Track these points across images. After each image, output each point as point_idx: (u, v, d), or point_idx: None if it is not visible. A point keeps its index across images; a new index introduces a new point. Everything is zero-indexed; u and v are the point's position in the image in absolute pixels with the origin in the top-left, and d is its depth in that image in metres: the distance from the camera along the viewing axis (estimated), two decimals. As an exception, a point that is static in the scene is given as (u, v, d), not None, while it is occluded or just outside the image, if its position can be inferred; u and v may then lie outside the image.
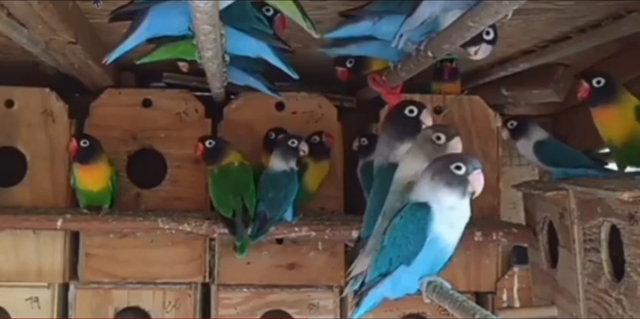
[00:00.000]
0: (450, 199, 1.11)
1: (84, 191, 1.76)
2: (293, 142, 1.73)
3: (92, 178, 1.74)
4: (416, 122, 1.39)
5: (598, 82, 1.31)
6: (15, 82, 1.86)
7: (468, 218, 1.12)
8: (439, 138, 1.27)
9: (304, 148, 1.73)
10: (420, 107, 1.40)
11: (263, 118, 1.91)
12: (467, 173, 1.10)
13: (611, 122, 1.32)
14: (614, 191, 1.16)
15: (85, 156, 1.72)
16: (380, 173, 1.39)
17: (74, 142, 1.71)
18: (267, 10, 1.39)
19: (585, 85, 1.31)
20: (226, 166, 1.74)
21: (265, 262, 1.85)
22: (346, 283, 1.51)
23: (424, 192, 1.13)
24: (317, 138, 1.82)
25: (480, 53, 1.29)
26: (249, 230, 1.69)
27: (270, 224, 1.70)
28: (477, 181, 1.10)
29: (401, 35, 1.25)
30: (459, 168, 1.10)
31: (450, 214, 1.11)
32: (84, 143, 1.71)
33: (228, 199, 1.70)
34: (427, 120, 1.40)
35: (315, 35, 1.08)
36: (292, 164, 1.72)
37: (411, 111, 1.39)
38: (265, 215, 1.69)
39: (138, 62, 1.41)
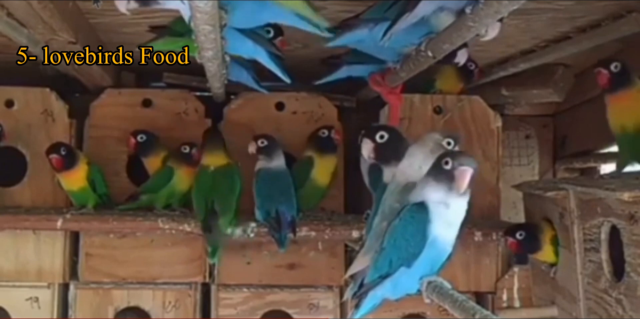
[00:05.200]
0: (437, 194, 1.10)
1: (67, 191, 1.79)
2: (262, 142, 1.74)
3: (71, 180, 1.76)
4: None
5: (616, 67, 1.33)
6: (15, 82, 1.86)
7: (464, 216, 1.12)
8: (449, 143, 1.29)
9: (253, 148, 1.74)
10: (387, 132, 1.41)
11: (263, 118, 1.91)
12: (453, 168, 1.09)
13: (627, 107, 1.34)
14: (614, 191, 1.16)
15: (66, 164, 1.73)
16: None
17: (55, 156, 1.71)
18: (268, 31, 1.41)
19: (604, 71, 1.33)
20: (204, 167, 1.74)
21: (265, 262, 1.85)
22: (346, 284, 1.51)
23: (420, 190, 1.13)
24: (325, 132, 1.82)
25: (490, 32, 1.28)
26: (228, 232, 1.70)
27: (291, 222, 1.70)
28: (461, 177, 1.09)
29: (390, 35, 1.25)
30: (447, 163, 1.10)
31: (445, 212, 1.11)
32: (63, 150, 1.72)
33: (200, 200, 1.71)
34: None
35: (325, 34, 1.08)
36: (283, 161, 1.74)
37: (382, 137, 1.39)
38: (286, 216, 1.70)
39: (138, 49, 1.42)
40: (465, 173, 1.08)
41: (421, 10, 1.18)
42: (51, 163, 1.72)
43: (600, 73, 1.34)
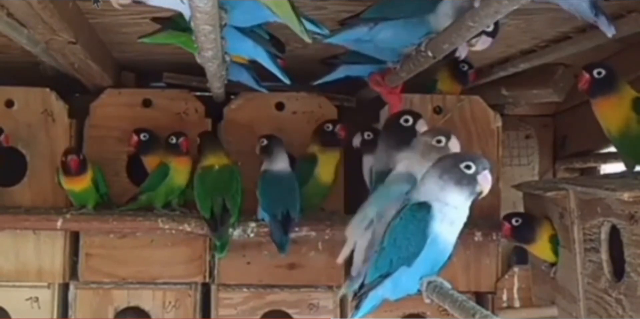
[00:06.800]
0: (458, 198, 1.11)
1: (67, 190, 1.79)
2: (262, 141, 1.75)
3: (77, 183, 1.76)
4: (412, 130, 1.42)
5: (599, 73, 1.32)
6: (15, 82, 1.86)
7: (467, 217, 1.13)
8: (439, 141, 1.30)
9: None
10: (416, 116, 1.44)
11: (263, 118, 1.91)
12: (477, 172, 1.10)
13: (609, 113, 1.33)
14: (614, 191, 1.16)
15: (80, 169, 1.73)
16: (380, 179, 1.40)
17: (74, 157, 1.71)
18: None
19: (587, 76, 1.32)
20: (208, 167, 1.75)
21: (265, 262, 1.85)
22: (345, 279, 1.51)
23: (429, 191, 1.13)
24: (329, 126, 1.81)
25: (480, 44, 1.30)
26: (231, 230, 1.71)
27: (295, 225, 1.71)
28: (485, 181, 1.11)
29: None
30: (468, 167, 1.11)
31: (451, 212, 1.11)
32: (82, 155, 1.73)
33: (207, 200, 1.71)
34: (422, 129, 1.43)
35: (308, 40, 1.08)
36: (287, 163, 1.75)
37: (406, 121, 1.42)
38: (290, 216, 1.71)
39: (139, 40, 1.42)
40: (489, 177, 1.11)
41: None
42: (65, 165, 1.72)
43: (583, 77, 1.33)
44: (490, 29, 1.31)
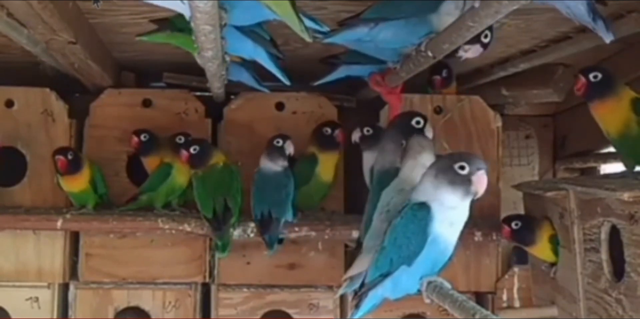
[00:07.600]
0: (452, 199, 1.11)
1: (67, 192, 1.79)
2: (278, 142, 1.74)
3: (74, 184, 1.76)
4: (421, 133, 1.43)
5: (595, 77, 1.31)
6: (15, 82, 1.86)
7: (467, 217, 1.13)
8: (418, 123, 1.41)
9: (290, 149, 1.74)
10: (425, 119, 1.46)
11: (263, 118, 1.91)
12: (471, 173, 1.10)
13: (608, 115, 1.33)
14: (614, 191, 1.16)
15: (71, 169, 1.73)
16: (384, 177, 1.40)
17: (61, 157, 1.70)
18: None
19: (583, 80, 1.32)
20: (210, 168, 1.74)
21: (265, 262, 1.85)
22: (345, 281, 1.51)
23: (426, 191, 1.13)
24: (328, 130, 1.82)
25: (471, 52, 1.30)
26: (231, 230, 1.71)
27: (279, 225, 1.71)
28: (480, 182, 1.10)
29: None
30: (462, 167, 1.10)
31: (450, 213, 1.11)
32: (70, 154, 1.72)
33: (209, 200, 1.71)
34: (429, 133, 1.45)
35: (308, 40, 1.08)
36: (283, 163, 1.74)
37: (418, 122, 1.46)
38: (272, 216, 1.70)
39: (137, 39, 1.41)
40: (484, 178, 1.10)
41: None
42: (55, 165, 1.72)
43: (579, 81, 1.33)
44: (487, 40, 1.33)
